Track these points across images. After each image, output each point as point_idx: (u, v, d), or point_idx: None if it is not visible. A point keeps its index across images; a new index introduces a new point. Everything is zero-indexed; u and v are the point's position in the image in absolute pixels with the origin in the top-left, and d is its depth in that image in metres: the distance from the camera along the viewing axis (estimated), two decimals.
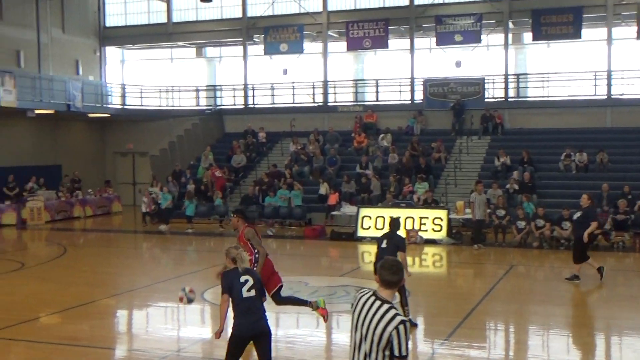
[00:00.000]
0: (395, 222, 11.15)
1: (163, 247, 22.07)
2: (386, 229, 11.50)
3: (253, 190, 24.98)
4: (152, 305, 12.90)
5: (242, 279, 7.17)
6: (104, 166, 33.88)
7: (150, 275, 16.03)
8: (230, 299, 7.18)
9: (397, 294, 10.06)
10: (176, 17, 33.67)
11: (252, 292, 7.16)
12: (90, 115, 30.80)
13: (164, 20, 33.80)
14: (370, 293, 5.05)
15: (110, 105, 32.35)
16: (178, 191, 26.36)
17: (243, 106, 32.65)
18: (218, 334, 7.36)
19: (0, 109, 25.49)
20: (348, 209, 23.00)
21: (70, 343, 10.16)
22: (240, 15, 32.36)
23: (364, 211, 21.59)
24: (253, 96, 32.68)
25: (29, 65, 29.43)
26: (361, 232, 21.07)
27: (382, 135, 28.08)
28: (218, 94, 34.11)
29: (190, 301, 8.05)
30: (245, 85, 32.53)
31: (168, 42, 34.40)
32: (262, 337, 7.20)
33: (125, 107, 33.05)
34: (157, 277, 15.66)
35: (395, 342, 4.83)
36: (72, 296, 13.43)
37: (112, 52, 35.66)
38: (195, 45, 35.47)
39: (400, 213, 20.98)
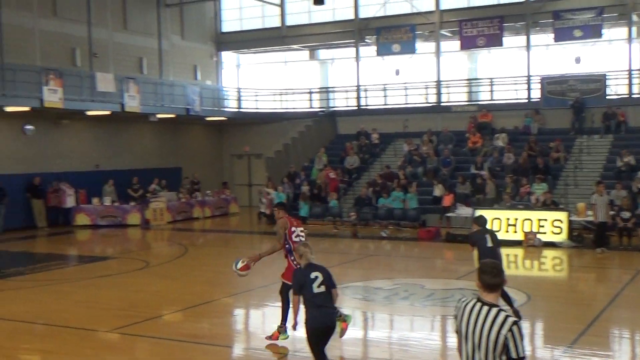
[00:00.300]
0: (484, 220, 11.53)
1: None
2: (465, 229, 11.53)
3: (366, 191, 24.98)
4: (269, 305, 13.12)
5: (313, 275, 7.58)
6: (222, 168, 34.85)
7: (266, 276, 16.29)
8: (302, 296, 7.64)
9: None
10: (290, 21, 34.20)
11: (322, 288, 7.55)
12: (208, 118, 31.80)
13: (278, 24, 34.40)
14: (475, 300, 4.92)
15: (226, 109, 33.31)
16: (293, 192, 26.75)
17: (356, 107, 32.75)
18: (293, 326, 8.08)
19: (125, 114, 26.76)
20: (463, 210, 22.61)
21: (191, 340, 10.49)
22: (352, 16, 32.46)
23: (479, 213, 21.12)
24: (366, 97, 32.73)
25: (150, 71, 30.73)
26: None
27: (497, 135, 27.46)
28: (331, 95, 34.40)
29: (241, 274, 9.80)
30: (358, 86, 32.61)
31: (282, 46, 34.99)
32: (329, 333, 7.60)
33: (241, 110, 33.94)
34: (273, 278, 15.85)
35: (511, 345, 4.70)
36: (193, 294, 13.89)
37: (228, 57, 36.67)
38: (308, 48, 35.92)
39: (518, 215, 20.55)
